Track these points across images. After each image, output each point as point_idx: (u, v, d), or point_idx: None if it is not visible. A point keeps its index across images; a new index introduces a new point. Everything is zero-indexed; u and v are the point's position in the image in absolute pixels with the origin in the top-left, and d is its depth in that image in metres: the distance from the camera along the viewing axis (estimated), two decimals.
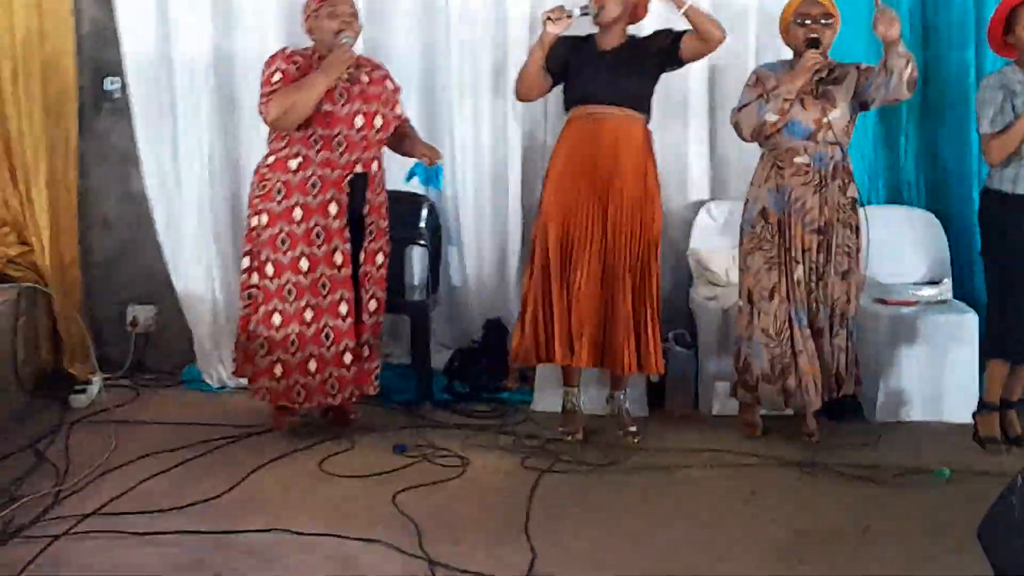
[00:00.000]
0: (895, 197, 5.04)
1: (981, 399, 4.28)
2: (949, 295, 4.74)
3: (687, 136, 4.92)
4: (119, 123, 4.81)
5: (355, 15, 3.99)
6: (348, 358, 4.05)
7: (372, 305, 4.13)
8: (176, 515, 3.33)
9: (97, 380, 4.55)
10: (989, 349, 4.26)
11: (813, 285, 4.21)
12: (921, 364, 4.56)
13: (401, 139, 4.21)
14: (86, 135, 4.83)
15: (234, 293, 4.55)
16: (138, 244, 4.90)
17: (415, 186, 4.59)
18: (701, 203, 4.94)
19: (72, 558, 3.04)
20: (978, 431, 4.24)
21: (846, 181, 4.19)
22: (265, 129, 4.03)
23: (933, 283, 4.82)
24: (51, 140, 4.59)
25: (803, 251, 4.16)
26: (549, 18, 4.02)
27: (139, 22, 4.62)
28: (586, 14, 4.08)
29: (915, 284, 4.85)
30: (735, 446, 4.20)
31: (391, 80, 4.17)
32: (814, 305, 4.22)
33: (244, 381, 4.30)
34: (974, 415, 4.27)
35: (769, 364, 4.19)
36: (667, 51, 4.12)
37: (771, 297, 4.18)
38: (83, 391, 4.46)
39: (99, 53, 4.81)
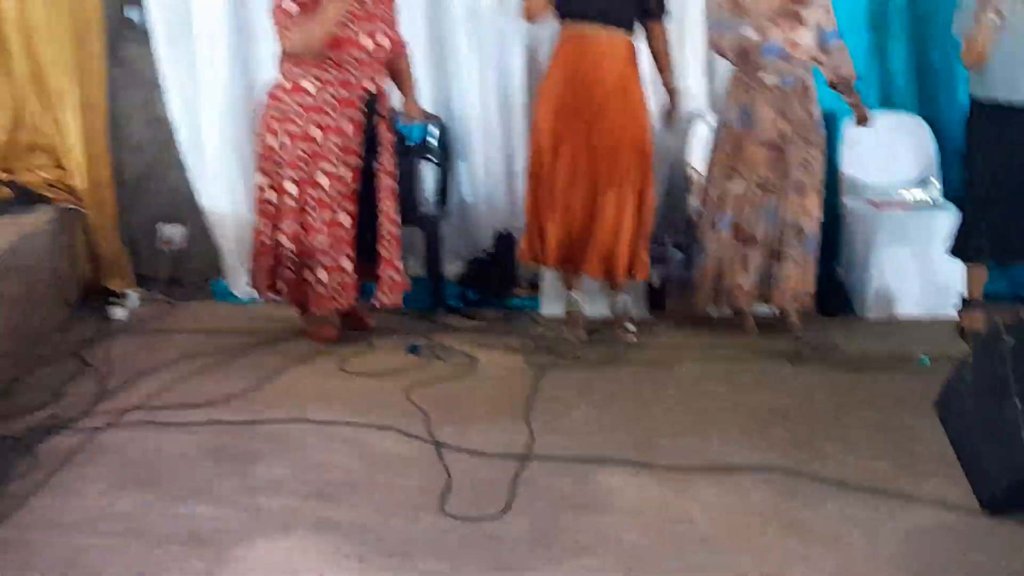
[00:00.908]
0: (886, 102, 5.20)
1: (964, 297, 4.50)
2: (937, 196, 4.94)
3: (683, 51, 5.06)
4: (143, 50, 5.03)
5: None
6: (348, 265, 4.27)
7: (397, 218, 4.40)
8: (207, 409, 3.65)
9: (134, 293, 4.89)
10: (959, 250, 4.44)
11: (761, 199, 4.42)
12: (909, 262, 4.80)
13: (397, 75, 4.42)
14: (112, 62, 5.07)
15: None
16: (166, 165, 5.15)
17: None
18: (696, 115, 5.13)
19: (111, 446, 3.37)
20: (963, 327, 4.45)
21: (805, 99, 4.39)
22: (278, 53, 4.27)
23: (921, 184, 5.02)
24: (80, 67, 4.81)
25: (751, 165, 4.40)
26: None
27: None
28: None
29: (904, 185, 5.05)
30: (729, 342, 4.48)
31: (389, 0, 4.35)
32: (762, 218, 4.44)
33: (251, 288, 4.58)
34: (958, 311, 4.49)
35: (714, 266, 4.51)
36: (641, 10, 4.36)
37: (721, 207, 4.46)
38: (121, 304, 4.78)
39: None
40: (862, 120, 4.56)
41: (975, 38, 4.11)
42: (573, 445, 3.43)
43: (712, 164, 4.56)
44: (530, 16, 4.43)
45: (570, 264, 4.48)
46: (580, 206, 4.38)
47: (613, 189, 4.35)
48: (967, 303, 4.48)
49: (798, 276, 4.47)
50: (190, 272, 5.26)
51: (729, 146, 4.47)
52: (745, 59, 4.38)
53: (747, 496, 3.10)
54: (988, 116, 4.20)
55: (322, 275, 4.25)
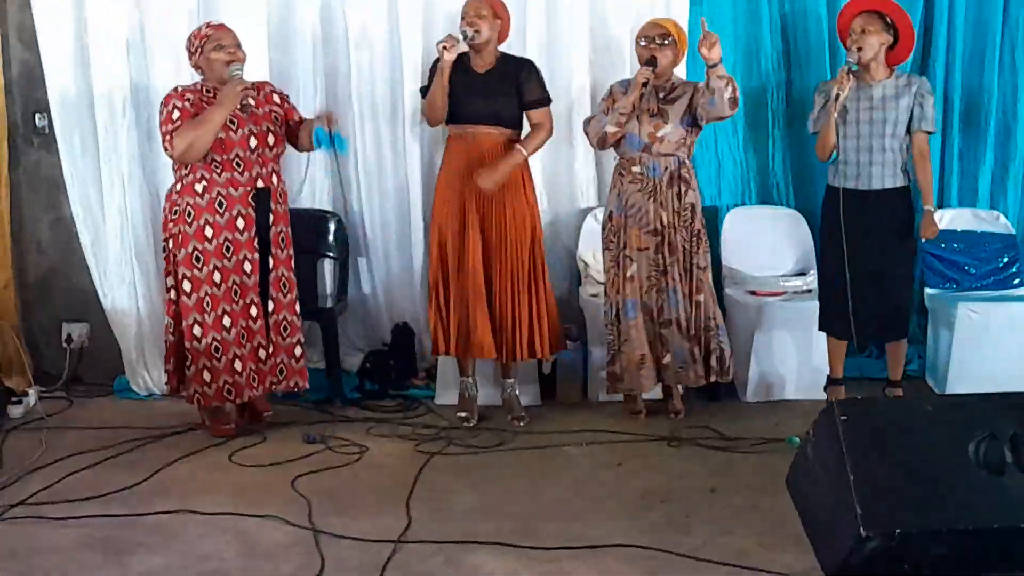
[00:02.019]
0: (765, 197, 5.49)
1: (828, 376, 4.74)
2: (814, 285, 5.18)
3: (574, 147, 5.33)
4: (48, 155, 5.19)
5: (239, 44, 4.39)
6: (262, 354, 4.44)
7: (297, 307, 4.55)
8: (93, 503, 3.72)
9: (33, 392, 4.95)
10: (821, 325, 4.74)
11: (656, 280, 4.64)
12: (788, 348, 5.03)
13: (299, 132, 4.58)
14: (19, 166, 5.22)
15: (155, 307, 5.01)
16: (69, 265, 5.28)
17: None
18: (588, 210, 5.36)
19: None
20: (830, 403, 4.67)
21: (683, 189, 4.63)
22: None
23: (800, 274, 5.27)
24: None
25: (639, 250, 4.62)
26: (444, 47, 4.46)
27: (62, 62, 5.00)
28: (467, 38, 4.52)
29: (783, 276, 5.30)
30: (614, 427, 4.64)
31: (277, 93, 4.59)
32: (657, 297, 4.65)
33: (166, 388, 4.73)
34: (825, 388, 4.73)
35: (610, 353, 4.70)
36: (521, 96, 4.63)
37: (618, 292, 4.66)
38: (19, 402, 4.83)
39: (29, 92, 5.19)
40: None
41: (822, 136, 4.44)
42: (451, 529, 3.53)
43: (604, 252, 4.77)
44: (433, 120, 4.67)
45: (485, 352, 4.64)
46: (477, 296, 4.58)
47: (510, 278, 4.59)
48: (829, 380, 4.73)
49: (684, 357, 4.66)
50: (92, 370, 5.34)
51: (614, 234, 4.68)
52: (608, 148, 4.67)
53: (611, 575, 3.23)
54: (846, 202, 4.48)
55: (238, 365, 4.38)
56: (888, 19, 4.50)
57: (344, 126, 5.11)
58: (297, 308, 4.57)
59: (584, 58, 5.28)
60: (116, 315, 5.13)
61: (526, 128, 4.70)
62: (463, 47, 4.55)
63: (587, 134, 4.70)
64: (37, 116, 5.21)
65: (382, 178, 5.31)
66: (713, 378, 4.73)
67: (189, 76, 4.67)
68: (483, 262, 4.59)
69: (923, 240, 4.75)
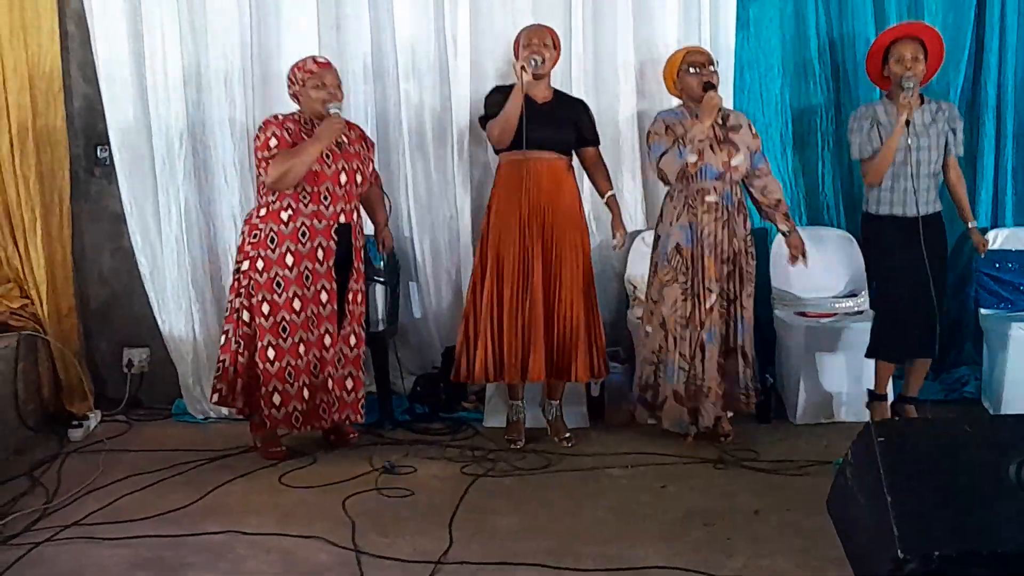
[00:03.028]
0: (816, 219, 5.47)
1: (871, 391, 4.70)
2: (865, 306, 5.14)
3: (621, 173, 5.37)
4: (110, 186, 5.36)
5: (340, 85, 4.53)
6: (330, 384, 4.52)
7: (353, 340, 4.62)
8: (144, 523, 3.81)
9: (94, 416, 5.09)
10: (872, 351, 4.69)
11: (725, 309, 4.65)
12: (839, 369, 4.99)
13: (371, 204, 4.81)
14: (81, 197, 5.39)
15: (211, 333, 5.13)
16: (129, 293, 5.43)
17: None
18: (636, 233, 5.38)
19: (47, 560, 3.52)
20: (872, 418, 4.64)
21: (745, 215, 4.69)
22: (238, 185, 4.68)
23: (851, 295, 5.23)
24: (45, 203, 5.14)
25: (715, 280, 4.62)
26: (523, 67, 4.52)
27: (122, 95, 5.16)
28: (535, 66, 4.58)
29: (834, 297, 5.27)
30: (661, 449, 4.64)
31: (367, 139, 4.76)
32: (729, 326, 4.66)
33: (224, 411, 4.90)
34: (867, 405, 4.69)
35: (684, 386, 4.65)
36: (579, 130, 4.77)
37: (687, 324, 4.63)
38: (80, 426, 4.97)
39: (91, 125, 5.37)
40: (796, 250, 4.75)
41: (882, 160, 4.42)
42: (491, 550, 3.56)
43: (663, 284, 4.70)
44: (503, 139, 4.65)
45: (543, 374, 4.66)
46: (533, 318, 4.62)
47: (574, 299, 4.64)
48: (874, 396, 4.70)
49: (742, 381, 4.68)
50: (152, 394, 5.47)
51: (686, 266, 4.66)
52: (686, 181, 4.65)
53: None
54: (881, 228, 4.47)
55: (306, 394, 4.47)
56: (924, 44, 4.50)
57: (395, 158, 5.26)
58: (353, 341, 4.62)
59: (631, 86, 5.33)
60: (174, 341, 5.26)
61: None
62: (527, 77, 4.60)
63: (662, 171, 4.66)
64: (99, 148, 5.37)
65: (432, 204, 5.39)
66: (745, 407, 4.76)
67: (242, 108, 4.79)
68: (544, 282, 4.64)
69: (982, 256, 4.82)
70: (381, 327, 5.14)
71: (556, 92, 4.81)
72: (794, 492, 4.08)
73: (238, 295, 4.52)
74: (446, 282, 5.44)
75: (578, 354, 4.66)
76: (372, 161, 4.75)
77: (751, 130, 4.74)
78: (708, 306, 4.62)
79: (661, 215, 4.79)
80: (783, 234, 4.80)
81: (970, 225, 4.74)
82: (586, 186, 5.06)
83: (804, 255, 4.75)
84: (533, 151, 4.63)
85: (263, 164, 4.39)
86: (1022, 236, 5.39)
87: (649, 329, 4.74)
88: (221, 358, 4.56)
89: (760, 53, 5.40)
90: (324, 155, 4.42)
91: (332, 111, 4.41)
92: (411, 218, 5.37)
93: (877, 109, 4.55)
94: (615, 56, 5.28)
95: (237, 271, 4.55)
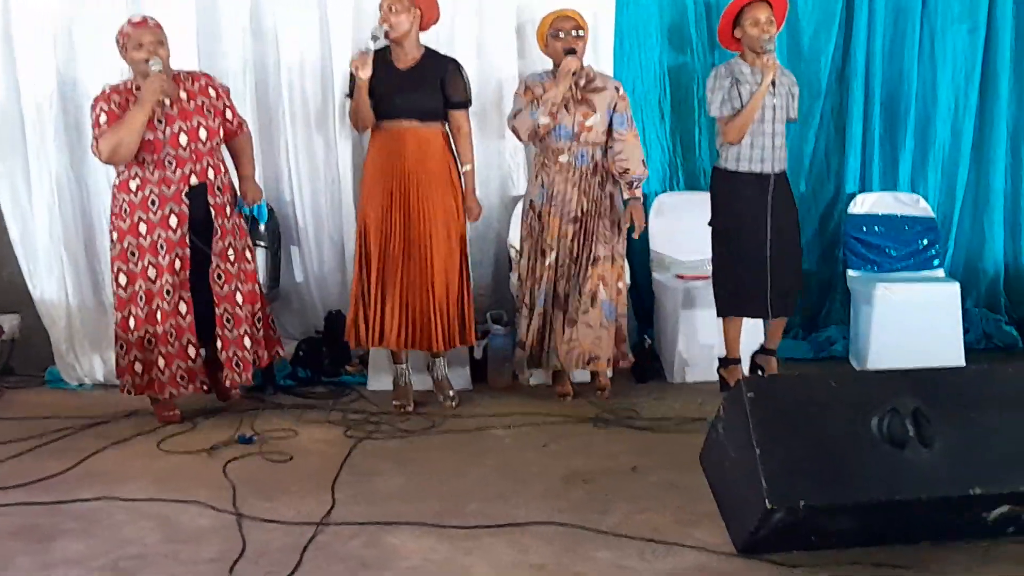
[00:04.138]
0: (693, 183, 5.59)
1: (721, 357, 4.87)
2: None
3: (504, 137, 5.39)
4: None
5: (160, 42, 4.34)
6: (192, 352, 4.47)
7: (240, 299, 4.55)
8: (18, 491, 3.72)
9: None
10: (721, 308, 4.82)
11: (566, 269, 4.75)
12: (714, 329, 5.11)
13: (236, 156, 4.67)
14: None
15: (84, 299, 5.08)
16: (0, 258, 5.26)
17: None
18: (518, 198, 5.42)
19: None
20: (726, 382, 4.80)
21: (604, 178, 4.74)
22: None
23: None
24: None
25: (557, 240, 4.71)
26: (356, 66, 4.49)
27: None
28: (377, 38, 4.54)
29: (709, 260, 5.38)
30: (543, 409, 4.72)
31: (214, 87, 4.56)
32: (566, 286, 4.76)
33: (99, 378, 4.88)
34: (718, 370, 4.85)
35: (535, 336, 4.78)
36: (443, 93, 4.69)
37: (539, 279, 4.74)
38: None
39: None
40: (635, 220, 4.79)
41: (746, 118, 4.54)
42: (374, 511, 3.58)
43: (522, 241, 4.84)
44: (361, 126, 4.70)
45: (410, 343, 4.69)
46: (409, 285, 4.63)
47: (436, 267, 4.63)
48: (726, 360, 4.87)
49: (589, 341, 4.75)
50: (24, 361, 5.32)
51: (536, 223, 4.76)
52: (542, 141, 4.72)
53: (530, 552, 3.28)
54: (746, 184, 4.62)
55: (161, 362, 4.41)
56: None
57: (275, 120, 5.19)
58: (239, 299, 4.56)
59: (512, 51, 5.35)
60: (45, 307, 5.12)
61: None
62: (382, 43, 4.57)
63: (515, 129, 4.75)
64: None
65: (314, 169, 5.34)
66: (622, 363, 4.89)
67: (119, 70, 4.66)
68: (405, 253, 4.63)
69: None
70: (262, 291, 5.07)
71: (426, 53, 4.71)
72: (671, 449, 4.19)
73: (111, 263, 4.49)
74: (329, 246, 5.41)
75: (446, 322, 4.68)
76: (230, 108, 4.60)
77: (619, 93, 4.80)
78: (546, 263, 4.71)
79: (531, 176, 4.89)
80: (628, 202, 4.85)
81: None
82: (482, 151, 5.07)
83: (637, 227, 4.80)
84: (398, 120, 4.62)
85: (94, 143, 4.32)
86: (888, 201, 5.61)
87: (518, 283, 4.89)
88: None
89: (639, 20, 5.48)
90: (156, 120, 4.31)
91: (153, 68, 4.26)
92: (292, 182, 5.32)
93: (735, 68, 4.68)
94: (498, 21, 5.29)
95: (110, 243, 4.51)
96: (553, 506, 3.63)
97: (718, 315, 4.84)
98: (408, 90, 4.59)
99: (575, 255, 4.74)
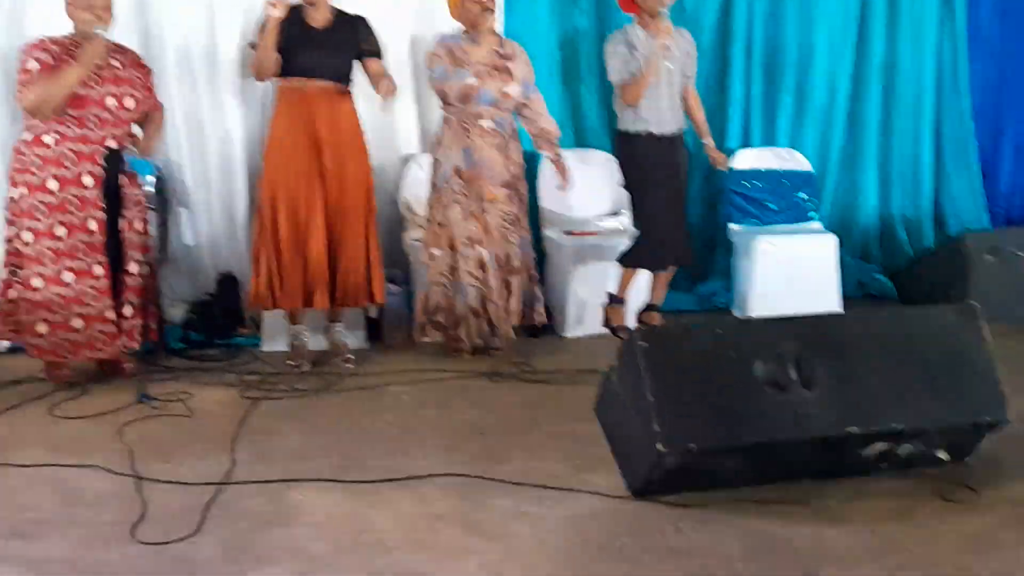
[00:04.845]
0: (582, 141, 5.70)
1: (611, 294, 5.03)
2: (628, 224, 5.42)
3: (397, 97, 5.38)
4: None
5: (108, 7, 4.32)
6: (111, 315, 4.40)
7: (134, 268, 4.49)
8: None
9: None
10: (625, 260, 5.01)
11: (507, 230, 4.83)
12: (603, 284, 5.25)
13: (146, 126, 4.60)
14: None
15: None
16: None
17: None
18: (411, 156, 5.45)
19: None
20: (609, 320, 4.97)
21: (519, 143, 4.89)
22: (6, 110, 4.52)
23: (614, 214, 5.51)
24: None
25: (493, 203, 4.78)
26: (272, 5, 4.43)
27: None
28: None
29: (599, 216, 5.53)
30: (439, 365, 4.79)
31: (143, 65, 4.57)
32: (505, 247, 4.83)
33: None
34: (604, 307, 5.00)
35: (477, 301, 4.82)
36: (359, 51, 4.70)
37: (472, 244, 4.77)
38: None
39: None
40: (563, 176, 4.95)
41: (643, 81, 4.66)
42: (275, 470, 3.59)
43: (445, 208, 4.85)
44: (261, 75, 4.64)
45: (325, 303, 4.71)
46: (317, 247, 4.63)
47: (348, 227, 4.66)
48: (614, 299, 5.03)
49: (524, 298, 4.91)
50: None
51: (465, 189, 4.79)
52: (462, 105, 4.75)
53: (431, 503, 3.36)
54: (649, 145, 4.72)
55: (78, 323, 4.36)
56: None
57: (160, 78, 5.08)
58: (135, 268, 4.50)
59: (409, 9, 5.37)
60: None
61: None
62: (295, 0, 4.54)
63: (443, 91, 4.80)
64: None
65: (202, 130, 5.28)
66: (537, 319, 5.01)
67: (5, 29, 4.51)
68: (319, 214, 4.63)
69: (722, 169, 5.17)
70: (152, 255, 5.01)
71: (337, 14, 4.71)
72: (566, 400, 4.32)
73: (10, 224, 4.37)
74: (219, 208, 5.37)
75: (361, 281, 4.72)
76: (151, 90, 4.57)
77: (524, 58, 4.88)
78: (486, 227, 4.76)
79: (439, 140, 4.88)
80: (551, 161, 4.98)
81: (706, 141, 5.08)
82: (364, 109, 5.05)
83: (566, 181, 4.95)
84: (310, 79, 4.60)
85: (20, 90, 4.24)
86: (768, 157, 5.82)
87: (436, 252, 4.86)
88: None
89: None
90: (90, 78, 4.27)
91: (98, 32, 4.24)
92: (181, 143, 5.24)
93: (631, 34, 4.79)
94: None
95: (9, 200, 4.38)
96: (452, 458, 3.70)
97: (623, 266, 5.03)
98: (323, 50, 4.58)
99: (511, 217, 4.84)
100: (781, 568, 2.91)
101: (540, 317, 5.02)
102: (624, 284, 5.06)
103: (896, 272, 6.00)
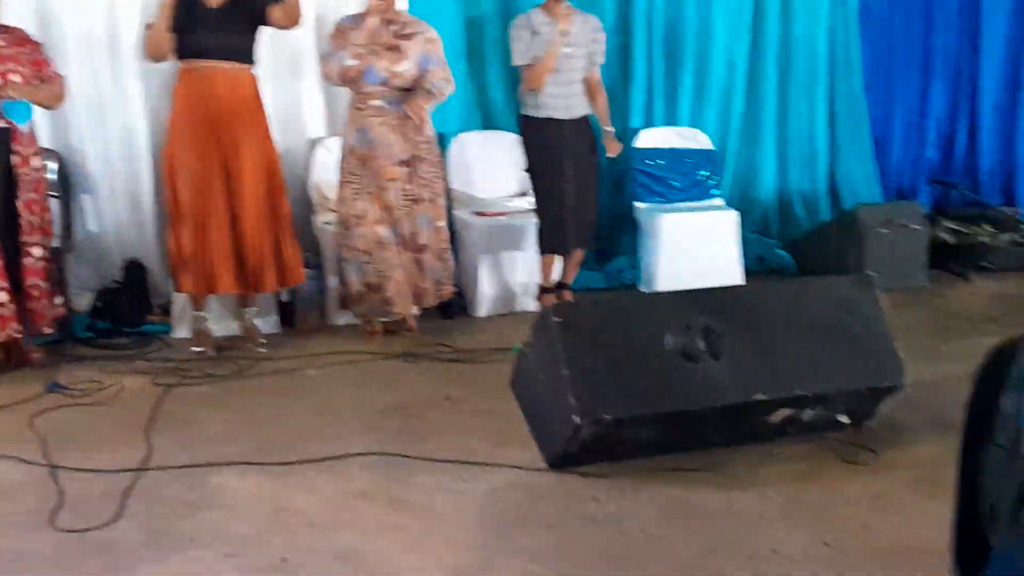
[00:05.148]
0: (489, 123, 5.76)
1: (541, 285, 5.10)
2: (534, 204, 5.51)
3: (301, 79, 5.40)
4: None
5: None
6: (3, 297, 4.31)
7: (37, 252, 4.42)
8: None
9: None
10: (541, 246, 5.06)
11: (407, 208, 4.84)
12: (515, 263, 5.33)
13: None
14: None
15: None
16: None
17: None
18: (319, 140, 5.44)
19: None
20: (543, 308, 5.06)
21: (420, 119, 4.82)
22: None
23: (522, 195, 5.58)
24: None
25: (390, 180, 4.78)
26: None
27: None
28: None
29: (507, 197, 5.60)
30: (355, 347, 4.81)
31: (28, 40, 4.47)
32: (408, 225, 4.85)
33: None
34: (536, 298, 5.09)
35: (366, 279, 4.83)
36: (260, 15, 4.59)
37: (365, 223, 4.79)
38: None
39: None
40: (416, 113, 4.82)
41: (542, 66, 4.71)
42: (194, 455, 3.59)
43: (346, 185, 4.86)
44: (155, 56, 4.58)
45: (236, 287, 4.68)
46: (219, 230, 4.59)
47: (251, 209, 4.61)
48: (543, 289, 5.11)
49: (427, 278, 4.92)
50: None
51: (360, 168, 4.79)
52: (352, 85, 4.75)
53: (353, 482, 3.40)
54: (549, 130, 4.79)
55: None
56: None
57: (60, 62, 4.98)
58: (37, 252, 4.44)
59: None
60: None
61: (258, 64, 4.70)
62: None
63: (327, 73, 4.79)
64: None
65: (104, 114, 5.19)
66: (446, 294, 5.05)
67: None
68: (225, 198, 4.59)
69: (612, 157, 5.20)
70: (55, 243, 4.92)
71: None
72: (481, 379, 4.39)
73: None
74: (123, 194, 5.28)
75: (267, 266, 4.69)
76: (41, 63, 4.46)
77: (427, 36, 4.88)
78: (387, 205, 4.79)
79: (344, 121, 4.90)
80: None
81: (607, 129, 5.16)
82: (266, 94, 5.03)
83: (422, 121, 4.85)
84: (208, 60, 4.55)
85: None
86: (670, 136, 5.94)
87: (338, 229, 4.89)
88: None
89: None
90: None
91: None
92: (83, 129, 5.15)
93: (534, 19, 4.85)
94: None
95: None
96: (371, 438, 3.74)
97: (541, 253, 5.07)
98: (220, 29, 4.52)
99: (411, 196, 4.83)
100: (694, 531, 3.02)
101: (446, 291, 5.03)
102: (546, 271, 5.09)
103: (794, 246, 6.19)
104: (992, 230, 6.34)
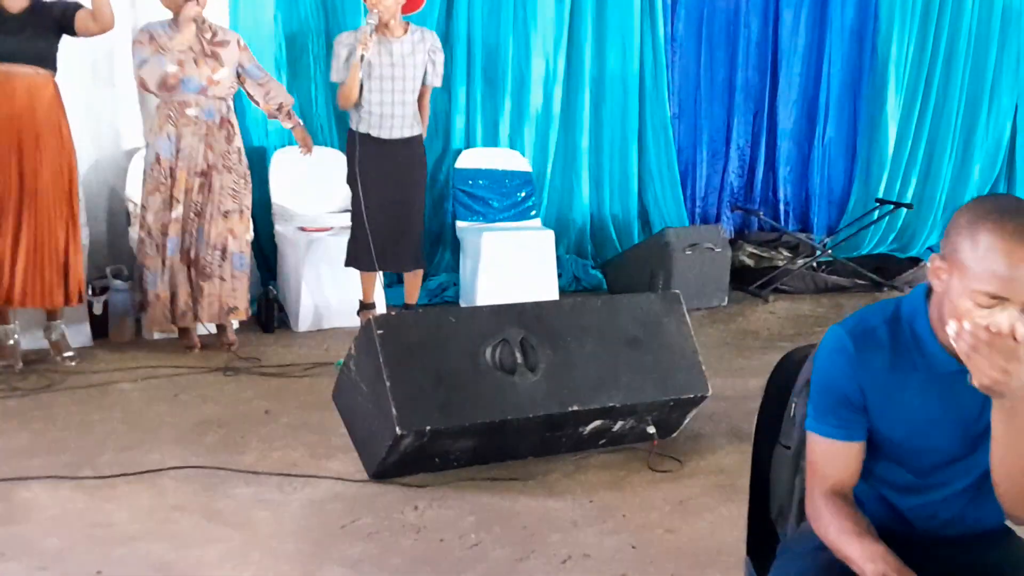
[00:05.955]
0: (313, 139, 5.74)
1: (361, 301, 5.14)
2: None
3: (115, 88, 5.27)
4: None
5: None
6: None
7: None
8: None
9: None
10: (346, 259, 5.04)
11: (192, 224, 4.82)
12: (335, 279, 5.35)
13: None
14: None
15: None
16: None
17: None
18: (134, 150, 5.34)
19: None
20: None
21: (231, 132, 4.85)
22: None
23: (345, 211, 5.61)
24: None
25: (185, 192, 4.77)
26: None
27: None
28: None
29: (330, 212, 5.63)
30: (171, 361, 4.74)
31: None
32: (191, 240, 4.82)
33: None
34: (358, 314, 5.11)
35: (157, 289, 4.80)
36: (65, 22, 4.50)
37: (167, 232, 4.77)
38: None
39: None
40: (303, 144, 5.09)
41: (348, 88, 4.75)
42: (2, 469, 3.49)
43: (148, 195, 4.79)
44: None
45: (26, 302, 4.52)
46: (27, 241, 4.44)
47: (44, 220, 4.47)
48: (363, 306, 5.12)
49: (225, 293, 4.86)
50: None
51: (162, 175, 4.74)
52: (168, 92, 4.70)
53: (169, 495, 3.37)
54: (366, 147, 4.83)
55: None
56: None
57: None
58: None
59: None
60: None
61: (61, 70, 4.57)
62: None
63: (143, 80, 4.75)
64: None
65: None
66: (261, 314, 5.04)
67: None
68: (21, 207, 4.44)
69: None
70: None
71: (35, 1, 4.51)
72: (301, 392, 4.40)
73: None
74: None
75: (58, 279, 4.54)
76: None
77: (239, 45, 4.89)
78: (175, 216, 4.77)
79: (150, 127, 4.88)
80: (294, 129, 5.09)
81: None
82: (80, 104, 4.90)
83: (310, 147, 5.12)
84: (7, 64, 4.41)
85: None
86: (491, 156, 6.10)
87: (143, 236, 4.83)
88: None
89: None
90: None
91: None
92: None
93: (357, 37, 4.87)
94: None
95: None
96: (188, 451, 3.72)
97: (345, 265, 5.05)
98: (20, 33, 4.39)
99: (199, 209, 4.79)
100: (511, 538, 3.14)
101: (239, 313, 4.97)
102: (366, 288, 5.09)
103: (607, 266, 6.43)
104: (788, 255, 6.78)
